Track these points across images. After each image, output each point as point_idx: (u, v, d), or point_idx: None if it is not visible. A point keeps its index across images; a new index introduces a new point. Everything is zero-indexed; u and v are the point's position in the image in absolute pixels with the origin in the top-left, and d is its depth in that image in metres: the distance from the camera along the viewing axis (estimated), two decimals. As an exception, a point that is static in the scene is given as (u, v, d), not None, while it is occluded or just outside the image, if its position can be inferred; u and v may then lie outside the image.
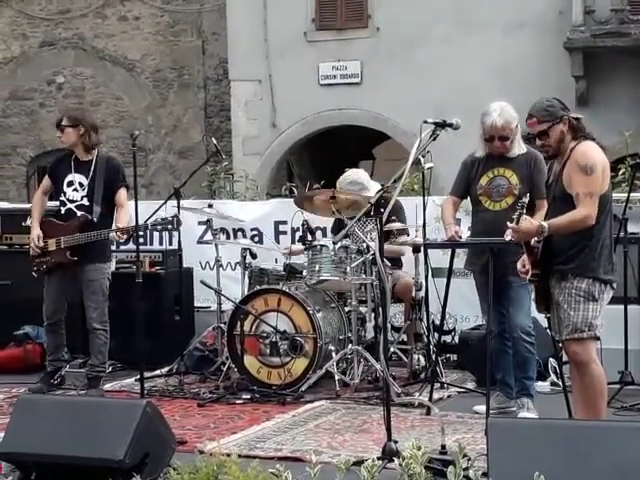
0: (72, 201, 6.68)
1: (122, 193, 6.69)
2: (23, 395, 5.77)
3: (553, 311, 5.00)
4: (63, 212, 6.72)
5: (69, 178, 6.70)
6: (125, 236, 6.51)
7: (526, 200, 4.83)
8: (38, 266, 6.73)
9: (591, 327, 4.84)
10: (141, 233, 7.59)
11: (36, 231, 6.71)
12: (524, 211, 4.80)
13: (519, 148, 5.94)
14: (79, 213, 6.64)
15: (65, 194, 6.71)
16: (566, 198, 4.87)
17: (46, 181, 6.92)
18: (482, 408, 6.00)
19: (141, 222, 6.28)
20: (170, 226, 6.52)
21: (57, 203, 6.79)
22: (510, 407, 5.92)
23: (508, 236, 5.62)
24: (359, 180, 7.25)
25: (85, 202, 6.64)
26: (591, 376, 4.87)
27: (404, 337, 7.38)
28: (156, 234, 8.80)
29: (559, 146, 4.95)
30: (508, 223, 4.86)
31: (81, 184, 6.67)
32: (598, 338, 4.92)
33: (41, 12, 17.94)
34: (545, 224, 4.80)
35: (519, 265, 5.12)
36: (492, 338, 6.07)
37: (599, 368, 4.90)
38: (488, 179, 5.98)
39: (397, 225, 7.03)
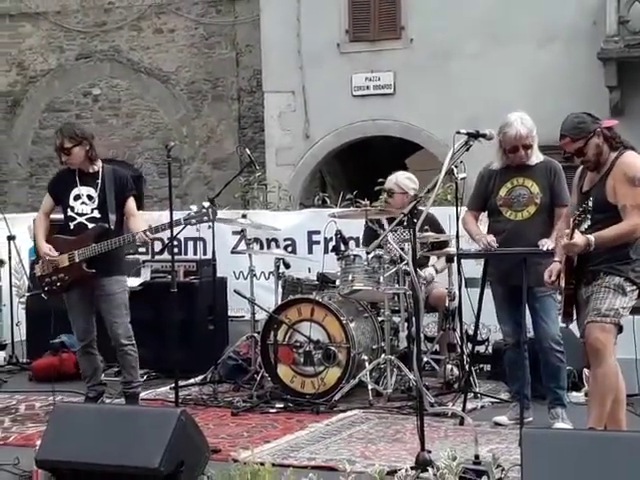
0: (82, 214, 6.30)
1: (132, 202, 6.38)
2: (59, 403, 5.82)
3: (581, 314, 4.98)
4: (72, 227, 6.32)
5: (75, 192, 6.31)
6: (152, 236, 6.20)
7: (579, 218, 4.79)
8: (49, 286, 6.32)
9: (616, 314, 4.81)
10: (175, 242, 7.61)
11: (45, 247, 6.30)
12: (586, 219, 4.75)
13: (537, 156, 5.95)
14: (91, 225, 6.26)
15: (73, 208, 6.31)
16: (607, 207, 4.86)
17: (47, 201, 6.49)
18: (502, 419, 6.00)
19: (175, 233, 6.22)
20: (206, 217, 6.11)
21: (62, 217, 6.40)
22: (527, 418, 5.89)
23: (545, 246, 5.62)
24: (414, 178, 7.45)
25: (96, 214, 6.27)
26: (606, 369, 4.82)
27: (437, 347, 7.37)
28: (190, 244, 8.86)
29: (598, 159, 4.93)
30: (564, 239, 4.83)
31: (90, 197, 6.30)
32: (621, 329, 4.88)
33: (77, 25, 18.13)
34: (592, 238, 4.76)
35: (546, 275, 5.10)
36: (508, 348, 6.07)
37: (615, 364, 4.86)
38: (507, 189, 5.98)
39: (431, 235, 7.05)
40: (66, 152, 6.28)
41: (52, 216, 6.53)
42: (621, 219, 4.83)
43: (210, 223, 6.66)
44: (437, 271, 7.31)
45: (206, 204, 6.29)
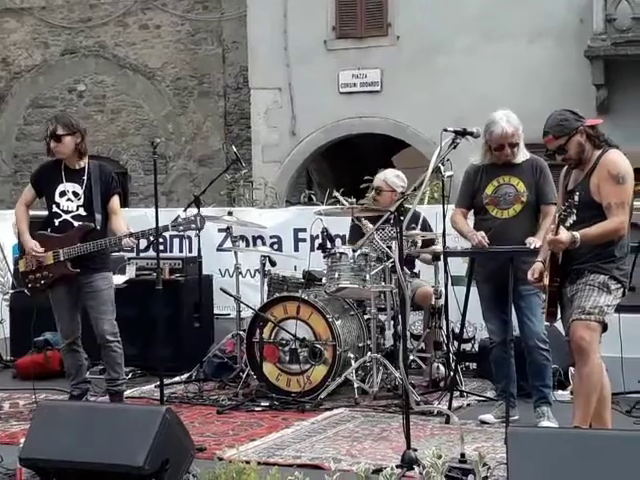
0: (67, 212, 6.21)
1: (116, 200, 6.31)
2: (43, 401, 5.79)
3: (565, 313, 4.98)
4: (58, 224, 6.23)
5: (61, 188, 6.22)
6: (136, 241, 6.21)
7: (565, 213, 4.81)
8: (33, 283, 6.25)
9: (601, 312, 4.81)
10: (161, 240, 7.58)
11: (31, 242, 6.20)
12: (571, 214, 4.77)
13: (523, 154, 5.95)
14: (76, 223, 6.19)
15: (59, 205, 6.22)
16: (592, 205, 4.86)
17: (29, 192, 6.39)
18: (488, 417, 6.00)
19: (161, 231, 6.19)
20: (194, 225, 6.07)
21: (40, 213, 6.33)
22: (513, 416, 5.90)
23: (532, 244, 5.63)
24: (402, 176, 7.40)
25: (82, 212, 6.20)
26: (591, 367, 4.82)
27: (423, 345, 7.36)
28: (176, 241, 8.83)
29: (580, 157, 4.94)
30: (550, 234, 4.83)
31: (75, 193, 6.21)
32: (605, 327, 4.88)
33: (63, 20, 18.07)
34: (577, 234, 4.77)
35: (529, 274, 5.11)
36: (494, 347, 6.07)
37: (600, 362, 4.86)
38: (494, 188, 5.98)
39: (418, 233, 7.04)
40: (57, 139, 6.17)
41: (31, 212, 6.43)
42: (606, 217, 4.83)
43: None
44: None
45: (195, 211, 6.22)
